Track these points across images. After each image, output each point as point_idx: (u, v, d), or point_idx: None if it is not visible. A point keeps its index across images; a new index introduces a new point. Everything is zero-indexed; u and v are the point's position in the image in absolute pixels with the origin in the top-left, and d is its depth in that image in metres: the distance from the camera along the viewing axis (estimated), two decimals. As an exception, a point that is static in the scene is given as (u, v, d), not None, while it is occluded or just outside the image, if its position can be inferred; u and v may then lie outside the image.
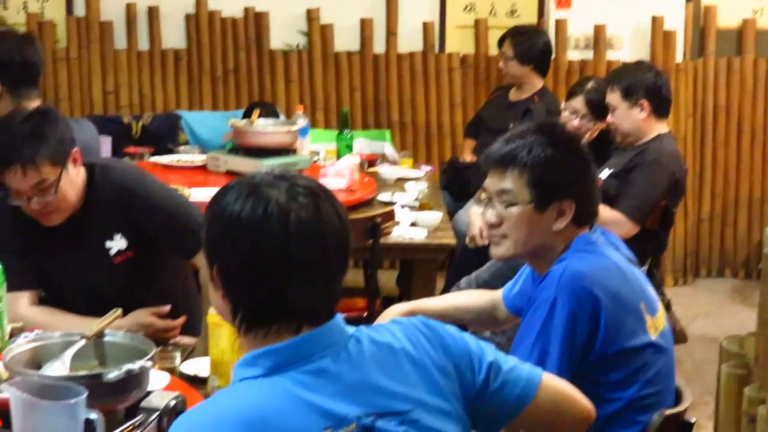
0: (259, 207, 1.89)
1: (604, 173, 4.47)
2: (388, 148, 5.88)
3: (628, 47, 6.69)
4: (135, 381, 2.52)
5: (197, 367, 2.94)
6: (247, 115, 5.92)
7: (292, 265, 1.90)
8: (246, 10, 7.05)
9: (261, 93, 7.00)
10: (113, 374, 2.47)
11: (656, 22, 6.53)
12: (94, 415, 2.18)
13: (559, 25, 6.60)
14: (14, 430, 2.26)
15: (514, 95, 5.95)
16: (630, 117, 4.54)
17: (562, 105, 5.37)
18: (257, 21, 7.02)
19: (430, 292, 4.20)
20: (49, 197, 3.30)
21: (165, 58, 7.14)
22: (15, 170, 3.23)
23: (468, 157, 5.99)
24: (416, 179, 5.28)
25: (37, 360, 2.66)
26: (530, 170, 2.61)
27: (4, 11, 7.44)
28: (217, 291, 1.96)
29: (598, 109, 4.90)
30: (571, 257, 2.61)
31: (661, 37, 6.53)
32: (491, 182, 2.71)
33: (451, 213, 5.12)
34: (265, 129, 5.47)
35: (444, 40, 6.86)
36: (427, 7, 6.86)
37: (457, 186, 5.66)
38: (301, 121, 5.65)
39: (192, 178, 4.92)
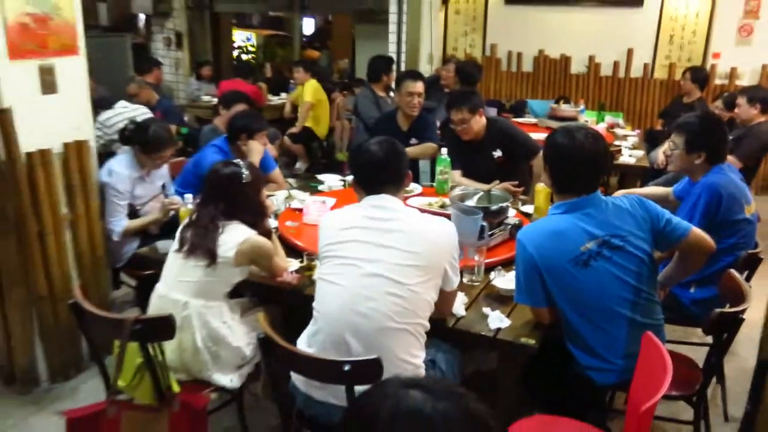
0: (568, 139, 1.97)
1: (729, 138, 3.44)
2: (620, 121, 5.78)
3: (747, 78, 6.31)
4: (502, 211, 2.72)
5: (528, 209, 3.10)
6: (557, 102, 5.99)
7: (581, 167, 1.97)
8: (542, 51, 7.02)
9: (564, 91, 6.92)
10: (494, 207, 2.68)
11: (764, 67, 6.23)
12: (485, 223, 2.41)
13: (712, 66, 6.37)
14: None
15: (685, 99, 5.64)
16: (749, 112, 4.29)
17: (711, 106, 5.25)
18: (564, 60, 7.04)
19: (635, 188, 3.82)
20: (466, 126, 3.40)
21: (521, 77, 7.20)
22: (456, 111, 3.39)
23: (658, 127, 5.84)
24: (632, 136, 5.27)
25: (463, 197, 2.88)
26: (684, 134, 2.64)
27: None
28: (546, 172, 2.07)
29: (730, 106, 4.67)
30: (711, 175, 2.59)
31: (767, 74, 6.24)
32: (672, 137, 2.72)
33: (648, 152, 4.89)
34: (565, 109, 5.66)
35: (653, 72, 6.71)
36: (648, 56, 6.65)
37: (651, 141, 5.45)
38: (581, 107, 5.82)
39: (531, 129, 4.70)
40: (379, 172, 1.95)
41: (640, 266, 1.95)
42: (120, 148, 3.62)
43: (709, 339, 2.31)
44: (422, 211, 2.90)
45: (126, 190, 3.09)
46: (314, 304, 1.93)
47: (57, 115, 2.75)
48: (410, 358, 1.84)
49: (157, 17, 8.38)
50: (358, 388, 1.67)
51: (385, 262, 1.83)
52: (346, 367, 1.63)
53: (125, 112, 4.45)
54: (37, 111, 2.67)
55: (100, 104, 4.33)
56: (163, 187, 3.37)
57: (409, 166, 2.06)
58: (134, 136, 3.13)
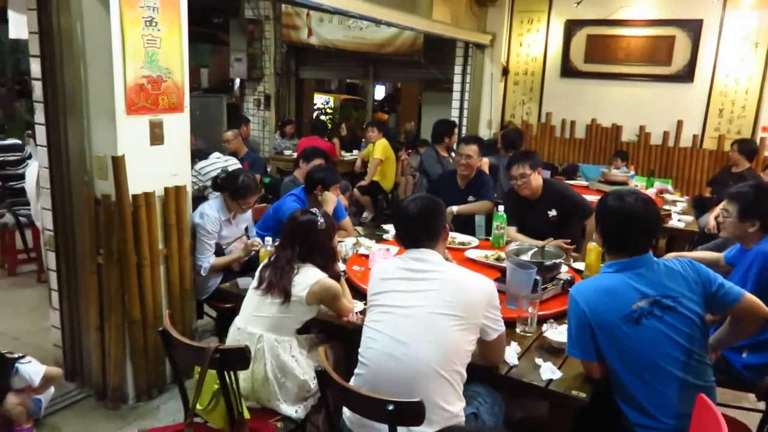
0: (619, 203, 1.94)
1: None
2: (669, 187, 5.65)
3: (795, 151, 6.12)
4: (556, 267, 2.67)
5: (579, 266, 2.99)
6: (614, 158, 6.09)
7: (631, 229, 1.91)
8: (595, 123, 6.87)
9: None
10: (548, 263, 2.63)
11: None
12: (538, 278, 2.37)
13: (762, 139, 6.08)
14: (507, 281, 2.43)
15: (734, 169, 5.45)
16: None
17: (763, 175, 5.10)
18: (616, 128, 6.85)
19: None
20: (526, 180, 3.40)
21: (574, 143, 7.04)
22: (518, 166, 3.41)
23: (707, 194, 5.68)
24: (681, 201, 5.17)
25: (519, 252, 2.78)
26: (738, 202, 2.55)
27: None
28: (597, 233, 2.03)
29: None
30: (765, 243, 2.47)
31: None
32: (724, 204, 2.62)
33: (696, 217, 4.73)
34: (616, 174, 5.57)
35: (702, 143, 6.44)
36: (697, 127, 6.38)
37: (700, 207, 5.27)
38: (632, 172, 5.76)
39: (582, 191, 4.26)
40: (414, 228, 1.94)
41: (691, 327, 1.86)
42: (211, 194, 3.74)
43: (761, 404, 2.15)
44: (478, 262, 2.89)
45: (214, 231, 3.18)
46: (359, 350, 1.91)
47: (161, 163, 2.87)
48: (447, 405, 1.77)
49: (250, 81, 8.81)
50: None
51: (420, 309, 1.80)
52: (390, 407, 1.60)
53: (218, 162, 4.68)
54: (145, 159, 2.79)
55: (197, 155, 4.57)
56: (246, 229, 3.43)
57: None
58: (225, 183, 3.25)
